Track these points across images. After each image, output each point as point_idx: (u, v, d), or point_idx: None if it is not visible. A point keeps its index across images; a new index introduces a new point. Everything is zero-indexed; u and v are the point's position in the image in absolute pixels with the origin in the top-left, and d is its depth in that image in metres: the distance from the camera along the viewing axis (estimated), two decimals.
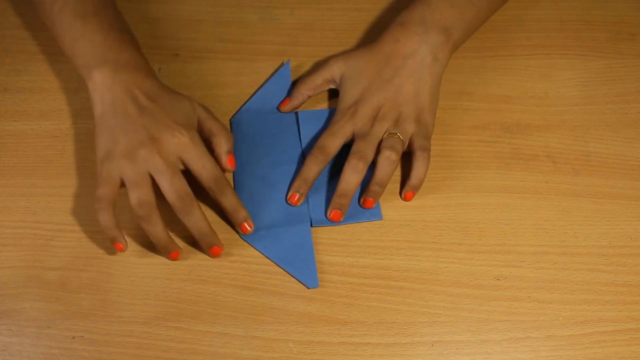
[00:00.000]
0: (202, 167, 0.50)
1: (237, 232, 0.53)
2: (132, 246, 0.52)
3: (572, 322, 0.49)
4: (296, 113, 0.59)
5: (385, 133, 0.54)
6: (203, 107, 0.54)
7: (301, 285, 0.51)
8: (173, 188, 0.48)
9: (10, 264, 0.52)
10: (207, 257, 0.52)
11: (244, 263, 0.52)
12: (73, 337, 0.49)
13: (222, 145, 0.52)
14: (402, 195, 0.54)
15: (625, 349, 0.48)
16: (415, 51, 0.55)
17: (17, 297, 0.50)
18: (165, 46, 0.63)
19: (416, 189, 0.54)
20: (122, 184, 0.49)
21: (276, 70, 0.61)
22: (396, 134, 0.53)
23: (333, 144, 0.54)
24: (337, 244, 0.53)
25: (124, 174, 0.49)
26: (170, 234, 0.51)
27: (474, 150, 0.57)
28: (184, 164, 0.50)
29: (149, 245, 0.52)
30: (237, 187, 0.55)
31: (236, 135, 0.57)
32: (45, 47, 0.63)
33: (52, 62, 0.62)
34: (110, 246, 0.52)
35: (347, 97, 0.56)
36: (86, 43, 0.53)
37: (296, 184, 0.53)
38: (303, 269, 0.51)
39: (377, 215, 0.53)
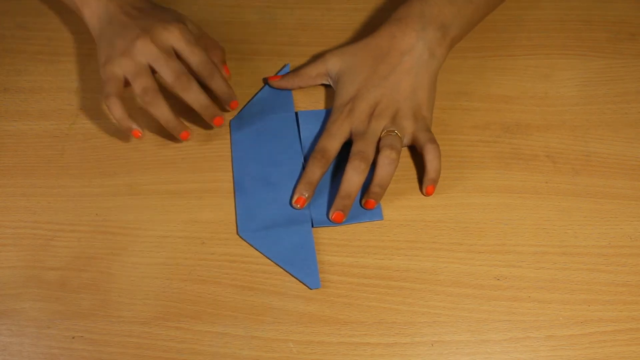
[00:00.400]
0: (191, 53, 0.53)
1: (225, 109, 0.57)
2: (133, 246, 0.52)
3: (572, 322, 0.49)
4: (296, 113, 0.59)
5: (383, 131, 0.54)
6: (194, 23, 0.57)
7: (301, 285, 0.51)
8: (170, 69, 0.52)
9: (10, 264, 0.52)
10: (207, 257, 0.52)
11: (244, 263, 0.52)
12: (73, 337, 0.49)
13: (217, 57, 0.57)
14: (424, 191, 0.54)
15: (625, 349, 0.48)
16: (413, 47, 0.55)
17: (17, 297, 0.50)
18: None
19: (435, 181, 0.54)
20: (127, 83, 0.53)
21: (276, 73, 0.61)
22: (394, 131, 0.53)
23: (332, 145, 0.54)
24: (337, 244, 0.53)
25: (125, 70, 0.52)
26: None
27: (474, 150, 0.57)
28: (175, 52, 0.53)
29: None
30: (237, 188, 0.55)
31: (236, 137, 0.57)
32: (45, 47, 0.63)
33: (52, 62, 0.62)
34: (110, 246, 0.52)
35: (344, 93, 0.56)
36: None
37: (300, 187, 0.53)
38: (304, 269, 0.51)
39: (378, 215, 0.53)
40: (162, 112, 0.53)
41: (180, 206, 0.54)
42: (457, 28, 0.57)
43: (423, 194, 0.54)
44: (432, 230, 0.53)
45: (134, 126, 0.53)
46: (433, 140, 0.54)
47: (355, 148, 0.53)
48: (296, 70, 0.60)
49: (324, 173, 0.54)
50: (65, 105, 0.60)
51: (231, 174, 0.56)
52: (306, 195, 0.53)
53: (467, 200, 0.54)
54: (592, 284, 0.51)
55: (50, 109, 0.59)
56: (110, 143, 0.57)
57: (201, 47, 0.54)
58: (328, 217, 0.53)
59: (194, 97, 0.53)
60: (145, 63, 0.52)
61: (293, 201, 0.53)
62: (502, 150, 0.57)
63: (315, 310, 0.50)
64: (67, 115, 0.59)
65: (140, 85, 0.52)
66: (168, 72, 0.52)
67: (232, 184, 0.55)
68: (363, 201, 0.53)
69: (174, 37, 0.53)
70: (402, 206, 0.54)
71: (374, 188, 0.53)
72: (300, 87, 0.60)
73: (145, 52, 0.52)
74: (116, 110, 0.52)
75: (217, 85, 0.54)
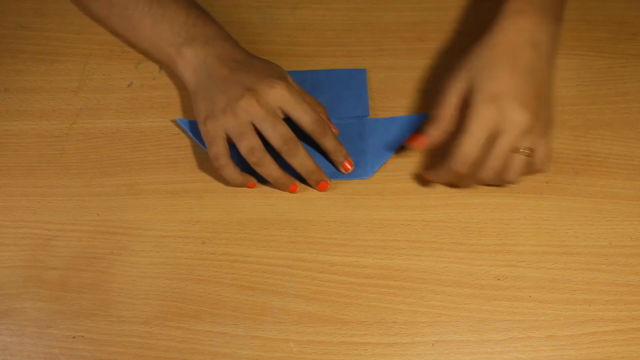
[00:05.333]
0: (303, 112, 0.51)
1: (338, 169, 0.56)
2: (133, 245, 0.52)
3: (572, 321, 0.49)
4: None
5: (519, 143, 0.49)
6: (291, 78, 0.55)
7: (301, 285, 0.51)
8: (277, 134, 0.51)
9: (10, 264, 0.52)
10: (207, 256, 0.52)
11: (244, 263, 0.52)
12: (73, 337, 0.49)
13: (322, 114, 0.55)
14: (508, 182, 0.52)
15: (625, 349, 0.48)
16: (542, 42, 0.50)
17: (17, 297, 0.50)
18: None
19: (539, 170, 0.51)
20: (229, 139, 0.52)
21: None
22: (528, 149, 0.49)
23: (476, 150, 0.49)
24: (337, 244, 0.53)
25: (228, 129, 0.51)
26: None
27: None
28: (283, 112, 0.52)
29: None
30: None
31: None
32: (45, 47, 0.63)
33: (52, 62, 0.62)
34: (111, 246, 0.52)
35: (485, 89, 0.49)
36: (169, 24, 0.54)
37: (429, 176, 0.53)
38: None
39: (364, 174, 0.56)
40: (271, 170, 0.52)
41: (180, 206, 0.54)
42: (562, 18, 0.54)
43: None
44: (432, 230, 0.53)
45: (250, 180, 0.54)
46: (547, 162, 0.51)
47: (497, 151, 0.48)
48: (431, 119, 0.52)
49: (453, 181, 0.53)
50: (65, 105, 0.60)
51: None
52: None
53: (467, 200, 0.54)
54: (592, 283, 0.51)
55: (51, 109, 0.59)
56: (110, 143, 0.57)
57: (309, 105, 0.52)
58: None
59: (301, 163, 0.52)
60: (249, 122, 0.51)
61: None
62: None
63: (316, 310, 0.50)
64: (67, 115, 0.59)
65: (247, 146, 0.50)
66: (275, 137, 0.51)
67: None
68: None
69: (281, 97, 0.51)
70: (402, 206, 0.54)
71: (482, 173, 0.50)
72: (448, 132, 0.51)
73: (250, 112, 0.50)
74: (229, 173, 0.52)
75: (330, 144, 0.53)
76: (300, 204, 0.54)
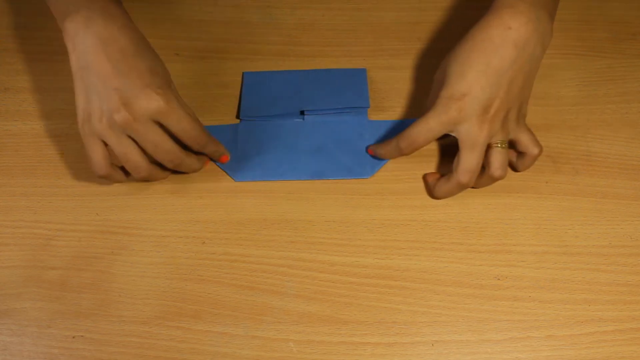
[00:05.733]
0: (182, 130, 0.49)
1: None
2: (133, 245, 0.52)
3: (572, 321, 0.49)
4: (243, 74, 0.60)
5: (492, 139, 0.50)
6: (174, 84, 0.52)
7: (301, 285, 0.51)
8: (158, 150, 0.49)
9: (10, 264, 0.52)
10: (207, 256, 0.52)
11: (244, 263, 0.52)
12: (73, 337, 0.49)
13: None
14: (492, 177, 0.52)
15: (625, 349, 0.48)
16: (528, 41, 0.49)
17: (17, 297, 0.50)
18: (165, 46, 0.63)
19: (519, 170, 0.55)
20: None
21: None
22: (505, 143, 0.50)
23: (424, 139, 0.51)
24: (337, 244, 0.53)
25: (107, 141, 0.49)
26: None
27: None
28: (161, 125, 0.49)
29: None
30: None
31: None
32: (45, 47, 0.63)
33: (52, 62, 0.62)
34: (111, 245, 0.52)
35: (453, 84, 0.50)
36: None
37: (371, 151, 0.56)
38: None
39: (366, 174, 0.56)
40: (165, 175, 0.53)
41: (180, 206, 0.54)
42: (555, 15, 0.53)
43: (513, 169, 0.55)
44: (432, 230, 0.53)
45: (153, 174, 0.52)
46: (537, 143, 0.52)
47: (467, 165, 0.50)
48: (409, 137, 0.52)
49: (396, 157, 0.55)
50: (65, 105, 0.60)
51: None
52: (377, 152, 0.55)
53: (467, 200, 0.54)
54: (592, 283, 0.51)
55: (51, 108, 0.59)
56: None
57: (189, 119, 0.49)
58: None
59: (189, 167, 0.53)
60: (127, 137, 0.48)
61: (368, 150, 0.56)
62: None
63: (315, 310, 0.50)
64: (67, 115, 0.59)
65: (132, 167, 0.50)
66: (156, 153, 0.49)
67: (232, 184, 0.55)
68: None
69: (158, 112, 0.48)
70: (402, 206, 0.54)
71: (461, 177, 0.51)
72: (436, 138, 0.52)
73: (126, 128, 0.48)
74: (117, 177, 0.52)
75: (210, 152, 0.53)
76: (300, 204, 0.54)
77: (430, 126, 0.50)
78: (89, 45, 0.48)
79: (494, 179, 0.52)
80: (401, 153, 0.53)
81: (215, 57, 0.63)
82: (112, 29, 0.48)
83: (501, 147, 0.50)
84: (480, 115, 0.49)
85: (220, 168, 0.56)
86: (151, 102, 0.47)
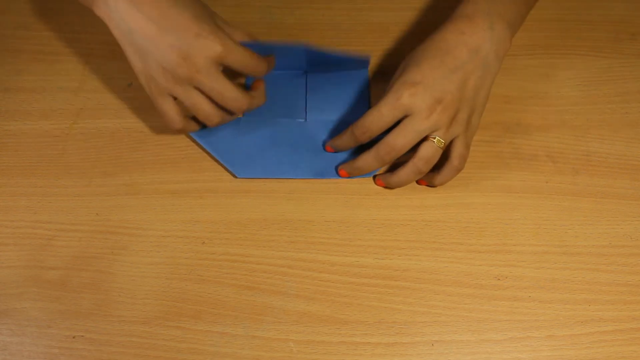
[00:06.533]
0: (243, 67, 0.50)
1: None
2: (133, 245, 0.52)
3: (572, 321, 0.49)
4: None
5: (433, 132, 0.51)
6: (220, 18, 0.52)
7: (301, 285, 0.51)
8: (221, 95, 0.50)
9: (10, 264, 0.52)
10: (207, 256, 0.52)
11: (244, 263, 0.52)
12: (73, 337, 0.49)
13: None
14: (419, 181, 0.55)
15: (625, 349, 0.48)
16: (481, 47, 0.51)
17: (17, 297, 0.50)
18: None
19: (434, 186, 0.54)
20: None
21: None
22: (442, 141, 0.51)
23: (378, 126, 0.51)
24: (337, 244, 0.53)
25: (176, 95, 0.50)
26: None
27: (475, 150, 0.57)
28: (224, 67, 0.50)
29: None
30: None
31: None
32: (45, 47, 0.63)
33: (52, 62, 0.62)
34: (111, 246, 0.52)
35: (407, 76, 0.51)
36: None
37: (328, 146, 0.56)
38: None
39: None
40: (235, 116, 0.55)
41: (180, 206, 0.54)
42: (517, 27, 0.54)
43: (416, 182, 0.55)
44: (432, 230, 0.53)
45: (194, 127, 0.55)
46: (462, 160, 0.52)
47: (392, 139, 0.51)
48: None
49: (355, 146, 0.54)
50: (65, 105, 0.60)
51: (230, 173, 0.56)
52: (335, 146, 0.56)
53: (467, 200, 0.54)
54: (592, 283, 0.51)
55: (51, 109, 0.59)
56: (110, 143, 0.57)
57: (244, 52, 0.49)
58: (336, 171, 0.56)
59: (256, 106, 0.54)
60: (193, 89, 0.49)
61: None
62: (502, 150, 0.57)
63: (315, 310, 0.50)
64: (67, 115, 0.59)
65: (203, 116, 0.51)
66: (219, 98, 0.50)
67: (232, 184, 0.55)
68: (376, 178, 0.55)
69: (217, 56, 0.48)
70: (402, 206, 0.54)
71: (391, 182, 0.53)
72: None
73: (193, 80, 0.48)
74: (191, 127, 0.54)
75: (266, 72, 0.53)
76: (300, 204, 0.54)
77: (382, 112, 0.50)
78: (122, 12, 0.47)
79: (415, 170, 0.52)
80: (357, 141, 0.53)
81: None
82: None
83: (436, 142, 0.51)
84: (430, 105, 0.50)
85: (223, 165, 0.56)
86: (208, 51, 0.47)
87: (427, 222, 0.53)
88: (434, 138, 0.51)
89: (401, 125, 0.51)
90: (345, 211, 0.54)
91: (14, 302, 0.50)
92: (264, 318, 0.49)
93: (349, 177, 0.55)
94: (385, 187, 0.55)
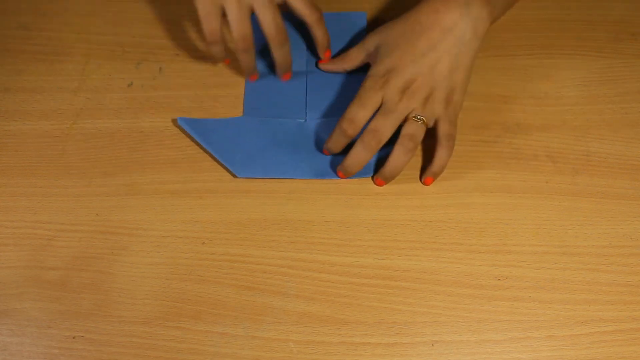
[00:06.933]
0: (301, 3, 0.56)
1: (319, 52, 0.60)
2: (133, 246, 0.52)
3: (572, 322, 0.49)
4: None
5: (410, 113, 0.53)
6: None
7: (301, 285, 0.51)
8: (274, 22, 0.54)
9: (10, 264, 0.52)
10: (207, 257, 0.52)
11: (244, 263, 0.52)
12: (73, 337, 0.49)
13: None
14: (422, 180, 0.54)
15: (625, 349, 0.48)
16: (456, 24, 0.52)
17: (17, 297, 0.50)
18: (165, 46, 0.63)
19: (437, 175, 0.54)
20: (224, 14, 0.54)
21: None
22: (421, 118, 0.53)
23: (363, 115, 0.53)
24: (337, 244, 0.53)
25: (227, 8, 0.53)
26: None
27: (475, 150, 0.57)
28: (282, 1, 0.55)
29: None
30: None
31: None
32: (45, 47, 0.63)
33: (52, 62, 0.62)
34: (111, 246, 0.52)
35: (380, 63, 0.54)
36: None
37: (324, 148, 0.56)
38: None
39: (368, 172, 0.55)
40: (250, 59, 0.57)
41: (180, 206, 0.54)
42: (499, 7, 0.54)
43: (421, 182, 0.55)
44: (432, 230, 0.53)
45: (224, 55, 0.57)
46: (451, 137, 0.53)
47: (373, 124, 0.53)
48: (342, 54, 0.60)
49: (348, 142, 0.54)
50: (65, 105, 0.60)
51: (230, 173, 0.56)
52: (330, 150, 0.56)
53: (467, 200, 0.54)
54: (592, 283, 0.51)
55: (51, 109, 0.59)
56: (110, 143, 0.57)
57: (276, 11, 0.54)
58: (334, 172, 0.56)
59: (283, 55, 0.57)
60: (248, 7, 0.54)
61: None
62: (502, 150, 0.57)
63: (315, 310, 0.50)
64: (67, 115, 0.59)
65: (240, 31, 0.54)
66: (271, 25, 0.54)
67: (232, 184, 0.55)
68: (374, 178, 0.55)
69: None
70: (402, 206, 0.54)
71: (385, 173, 0.54)
72: (346, 70, 0.60)
73: (254, 4, 0.53)
74: (217, 50, 0.56)
75: (319, 33, 0.58)
76: (300, 204, 0.54)
77: (362, 101, 0.53)
78: None
79: (403, 149, 0.53)
80: (346, 135, 0.53)
81: None
82: None
83: (419, 121, 0.53)
84: (401, 89, 0.53)
85: (223, 165, 0.56)
86: None
87: (427, 222, 0.53)
88: (415, 117, 0.53)
89: (379, 111, 0.53)
90: (346, 211, 0.54)
91: (14, 302, 0.50)
92: (264, 318, 0.49)
93: (348, 177, 0.55)
94: (385, 183, 0.55)
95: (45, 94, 0.60)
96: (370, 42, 0.57)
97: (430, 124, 0.54)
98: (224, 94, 0.60)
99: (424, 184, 0.54)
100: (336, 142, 0.54)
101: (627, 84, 0.60)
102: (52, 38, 0.64)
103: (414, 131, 0.53)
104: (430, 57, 0.52)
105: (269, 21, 0.54)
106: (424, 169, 0.56)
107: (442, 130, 0.53)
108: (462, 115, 0.59)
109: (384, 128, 0.52)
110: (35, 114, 0.59)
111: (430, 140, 0.55)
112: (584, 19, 0.64)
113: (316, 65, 0.61)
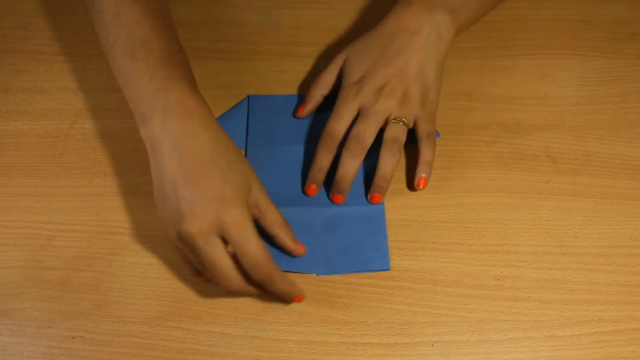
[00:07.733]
0: (243, 252, 0.44)
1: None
2: (133, 246, 0.52)
3: (572, 322, 0.49)
4: (248, 97, 0.60)
5: (389, 114, 0.53)
6: (258, 180, 0.48)
7: (301, 285, 0.50)
8: (217, 275, 0.45)
9: (10, 264, 0.52)
10: None
11: None
12: (73, 337, 0.49)
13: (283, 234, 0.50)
14: (415, 184, 0.54)
15: (625, 349, 0.48)
16: (421, 28, 0.54)
17: (17, 297, 0.50)
18: None
19: (427, 173, 0.54)
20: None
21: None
22: (401, 119, 0.53)
23: (340, 127, 0.54)
24: None
25: (178, 247, 0.46)
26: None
27: (474, 150, 0.57)
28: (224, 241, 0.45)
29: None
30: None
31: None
32: (45, 47, 0.63)
33: (52, 62, 0.62)
34: (111, 246, 0.52)
35: (351, 74, 0.55)
36: (135, 86, 0.48)
37: (311, 175, 0.54)
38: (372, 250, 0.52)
39: (385, 265, 0.51)
40: (251, 291, 0.47)
41: None
42: (465, 14, 0.56)
43: (414, 187, 0.54)
44: (432, 230, 0.53)
45: (253, 291, 0.47)
46: (431, 134, 0.54)
47: (355, 130, 0.53)
48: (313, 83, 0.58)
49: (333, 157, 0.54)
50: (65, 105, 0.60)
51: None
52: (317, 182, 0.54)
53: (467, 200, 0.54)
54: (592, 284, 0.51)
55: (50, 109, 0.59)
56: (110, 143, 0.57)
57: (254, 242, 0.44)
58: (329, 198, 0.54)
59: (247, 292, 0.48)
60: (222, 254, 0.45)
61: (305, 190, 0.54)
62: (502, 150, 0.57)
63: (315, 310, 0.50)
64: (67, 115, 0.59)
65: (219, 279, 0.45)
66: (216, 278, 0.45)
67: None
68: (369, 196, 0.54)
69: (226, 228, 0.44)
70: (402, 206, 0.54)
71: (378, 182, 0.53)
72: (323, 96, 0.58)
73: (189, 242, 0.44)
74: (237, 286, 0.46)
75: (279, 290, 0.47)
76: None
77: (340, 113, 0.54)
78: (164, 149, 0.45)
79: (389, 153, 0.53)
80: (329, 150, 0.53)
81: (215, 57, 0.63)
82: (187, 126, 0.46)
83: (399, 122, 0.53)
84: (375, 92, 0.53)
85: None
86: (210, 217, 0.44)
87: (427, 222, 0.53)
88: (394, 120, 0.53)
89: (359, 117, 0.54)
90: None
91: (14, 302, 0.50)
92: (264, 318, 0.49)
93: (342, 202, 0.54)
94: (382, 196, 0.53)
95: (45, 94, 0.60)
96: (340, 57, 0.57)
97: (411, 125, 0.54)
98: (224, 94, 0.60)
99: (418, 187, 0.54)
100: (321, 160, 0.53)
101: (627, 84, 0.60)
102: (52, 38, 0.64)
103: (397, 133, 0.53)
104: (400, 59, 0.54)
105: (205, 265, 0.45)
106: (411, 179, 0.55)
107: (422, 129, 0.54)
108: (462, 115, 0.59)
109: (366, 132, 0.53)
110: (35, 114, 0.59)
111: (412, 146, 0.55)
112: (584, 19, 0.64)
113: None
